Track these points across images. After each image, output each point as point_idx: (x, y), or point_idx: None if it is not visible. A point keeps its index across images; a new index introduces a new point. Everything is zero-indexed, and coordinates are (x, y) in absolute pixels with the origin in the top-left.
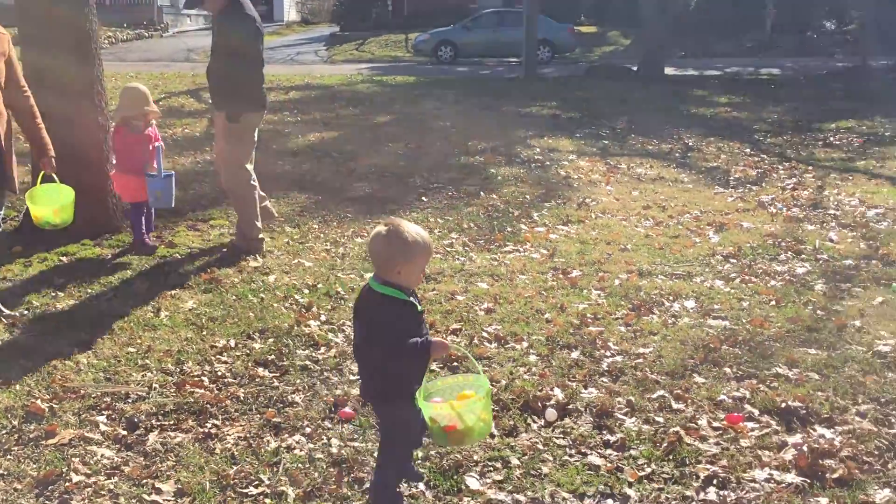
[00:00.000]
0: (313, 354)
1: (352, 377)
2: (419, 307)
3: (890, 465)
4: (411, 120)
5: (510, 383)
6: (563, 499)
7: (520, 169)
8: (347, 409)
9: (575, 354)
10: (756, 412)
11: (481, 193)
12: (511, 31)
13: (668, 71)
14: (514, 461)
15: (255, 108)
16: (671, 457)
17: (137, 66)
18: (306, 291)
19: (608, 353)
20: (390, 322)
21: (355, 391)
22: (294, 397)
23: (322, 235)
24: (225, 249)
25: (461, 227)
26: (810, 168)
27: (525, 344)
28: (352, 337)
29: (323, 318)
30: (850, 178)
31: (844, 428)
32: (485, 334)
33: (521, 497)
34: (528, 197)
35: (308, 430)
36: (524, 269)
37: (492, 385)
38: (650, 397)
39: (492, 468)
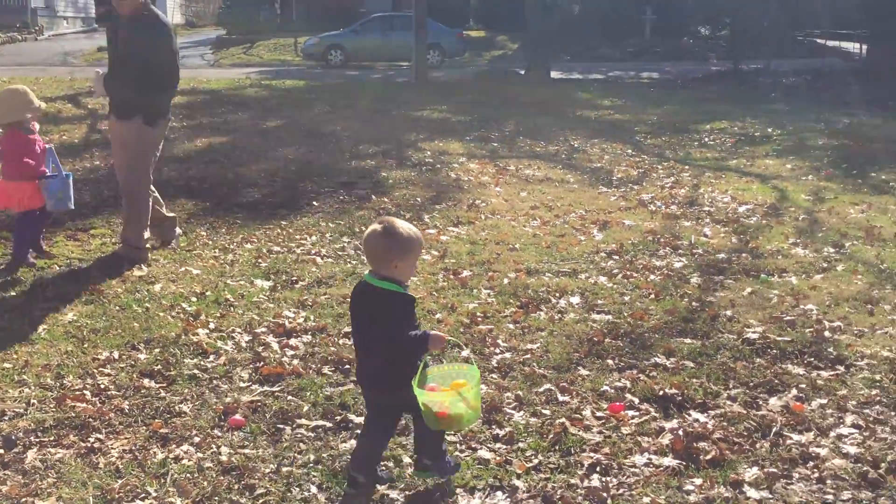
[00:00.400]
0: (202, 363)
1: (241, 384)
2: (415, 300)
3: (758, 445)
4: (301, 124)
5: None
6: (454, 494)
7: (411, 172)
8: (237, 417)
9: (465, 353)
10: (636, 401)
11: (372, 197)
12: (401, 35)
13: (555, 74)
14: (406, 459)
15: (164, 116)
16: (557, 447)
17: (11, 70)
18: (194, 299)
19: (497, 351)
20: (393, 315)
21: (246, 398)
22: (182, 407)
23: (210, 242)
24: (110, 258)
25: (353, 231)
26: (687, 167)
27: None
28: (241, 344)
29: (212, 325)
30: (723, 176)
31: (717, 412)
32: None
33: (411, 493)
34: (419, 199)
35: (197, 439)
36: (416, 271)
37: None
38: (537, 391)
39: (384, 466)
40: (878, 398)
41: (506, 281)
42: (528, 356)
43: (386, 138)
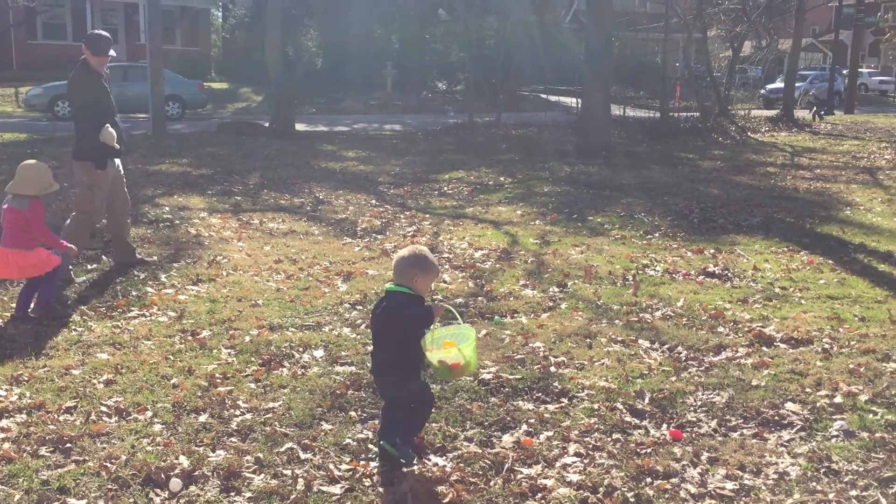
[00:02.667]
0: None
1: None
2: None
3: (492, 483)
4: None
5: (130, 458)
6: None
7: (146, 229)
8: None
9: (203, 418)
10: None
11: (103, 258)
12: (137, 85)
13: (300, 127)
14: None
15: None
16: None
17: None
18: None
19: (238, 412)
20: (403, 310)
21: None
22: None
23: None
24: None
25: (78, 295)
26: (427, 216)
27: (149, 413)
28: None
29: None
30: (461, 223)
31: (455, 454)
32: (103, 408)
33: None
34: (155, 258)
35: None
36: (150, 334)
37: (111, 462)
38: (279, 451)
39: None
40: (597, 426)
41: (247, 339)
42: (270, 415)
43: None
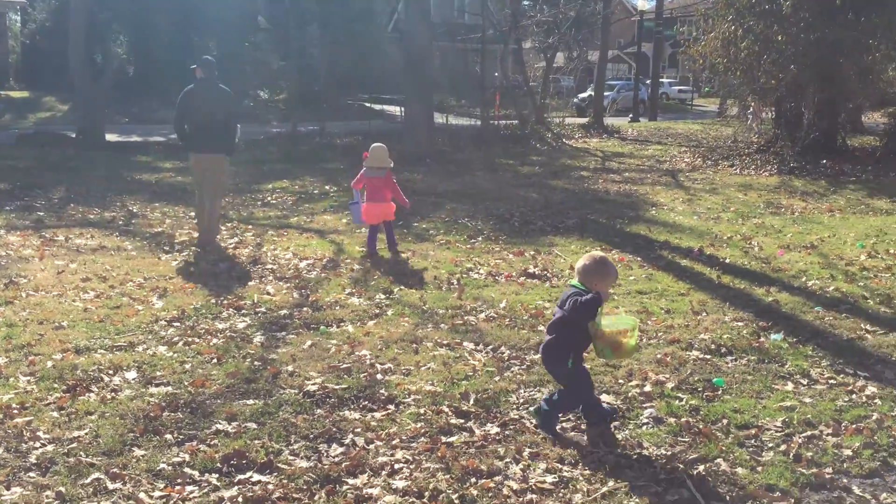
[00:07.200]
0: None
1: None
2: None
3: (317, 497)
4: None
5: None
6: None
7: None
8: None
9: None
10: (196, 474)
11: None
12: None
13: (111, 137)
14: None
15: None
16: None
17: None
18: None
19: (37, 444)
20: (574, 301)
21: None
22: None
23: None
24: None
25: None
26: (251, 227)
27: None
28: None
29: None
30: (286, 233)
31: (279, 470)
32: None
33: None
34: None
35: None
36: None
37: None
38: (83, 483)
39: None
40: (423, 430)
41: (50, 364)
42: (75, 445)
43: None
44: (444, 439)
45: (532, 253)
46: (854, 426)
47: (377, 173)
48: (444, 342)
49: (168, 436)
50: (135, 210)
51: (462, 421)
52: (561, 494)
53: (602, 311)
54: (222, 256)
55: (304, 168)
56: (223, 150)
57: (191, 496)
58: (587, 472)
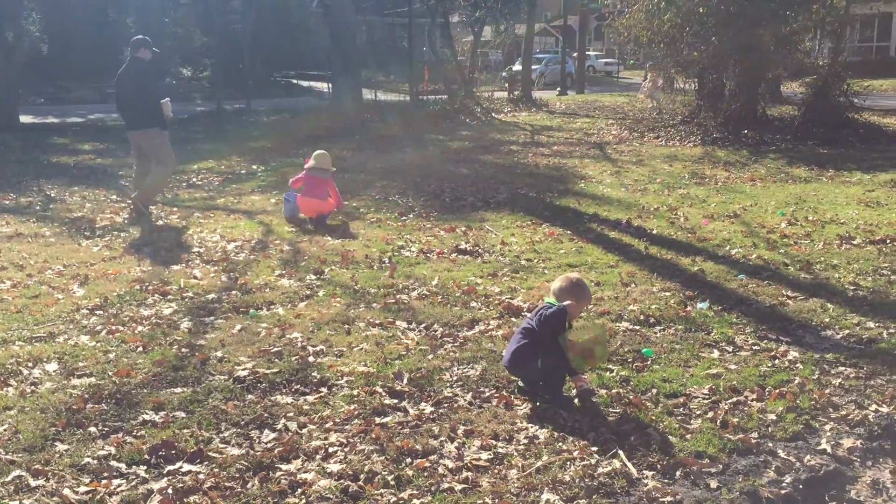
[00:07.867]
0: None
1: None
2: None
3: (249, 484)
4: None
5: None
6: None
7: None
8: None
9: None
10: (123, 467)
11: None
12: None
13: (25, 119)
14: None
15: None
16: None
17: None
18: None
19: None
20: (545, 314)
21: None
22: None
23: None
24: None
25: None
26: (175, 209)
27: None
28: None
29: None
30: (212, 215)
31: (210, 459)
32: None
33: None
34: None
35: None
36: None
37: None
38: (4, 481)
39: None
40: (357, 412)
41: None
42: None
43: None
44: (378, 420)
45: (463, 229)
46: (777, 391)
47: (321, 174)
48: (377, 322)
49: (92, 428)
50: (52, 195)
51: (396, 401)
52: (496, 471)
53: (571, 326)
54: (147, 241)
55: (230, 147)
56: (149, 124)
57: (118, 490)
58: (521, 447)
